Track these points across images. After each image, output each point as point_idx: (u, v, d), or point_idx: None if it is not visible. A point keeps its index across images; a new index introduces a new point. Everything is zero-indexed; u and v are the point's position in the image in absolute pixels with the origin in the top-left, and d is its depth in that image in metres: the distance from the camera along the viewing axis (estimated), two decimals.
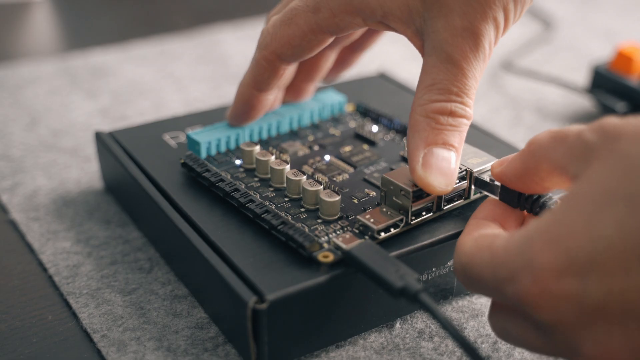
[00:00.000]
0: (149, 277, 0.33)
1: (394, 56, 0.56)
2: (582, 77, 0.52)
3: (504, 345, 0.29)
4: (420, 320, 0.31)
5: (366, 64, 0.54)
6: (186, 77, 0.52)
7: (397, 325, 0.30)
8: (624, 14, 0.65)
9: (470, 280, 0.25)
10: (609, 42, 0.59)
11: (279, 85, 0.34)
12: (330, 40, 0.32)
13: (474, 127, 0.38)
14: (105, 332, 0.30)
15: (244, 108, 0.35)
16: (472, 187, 0.31)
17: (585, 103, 0.49)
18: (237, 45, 0.57)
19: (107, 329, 0.30)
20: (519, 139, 0.45)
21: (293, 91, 0.38)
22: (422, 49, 0.30)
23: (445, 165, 0.28)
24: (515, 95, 0.50)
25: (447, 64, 0.28)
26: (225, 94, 0.50)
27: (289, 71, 0.34)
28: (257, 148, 0.33)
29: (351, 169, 0.34)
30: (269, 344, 0.27)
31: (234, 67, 0.54)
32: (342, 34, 0.31)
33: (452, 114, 0.28)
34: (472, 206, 0.31)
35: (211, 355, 0.29)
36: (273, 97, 0.35)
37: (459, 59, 0.28)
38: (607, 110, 0.45)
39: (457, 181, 0.30)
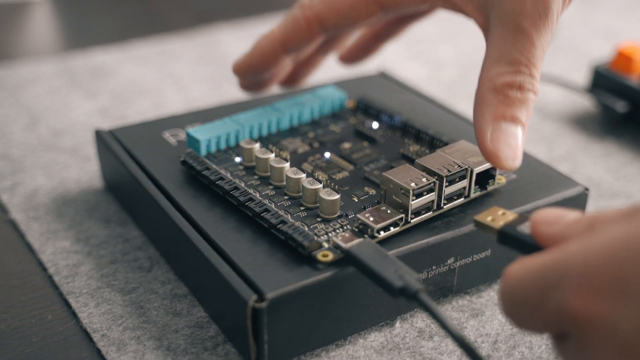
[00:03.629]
0: (148, 276, 0.33)
1: (394, 56, 0.56)
2: (582, 77, 0.52)
3: (503, 345, 0.29)
4: (420, 320, 0.31)
5: (366, 63, 0.54)
6: (186, 77, 0.52)
7: (397, 324, 0.30)
8: (624, 14, 0.65)
9: (516, 305, 0.22)
10: (609, 42, 0.59)
11: (299, 53, 0.33)
12: (378, 15, 0.31)
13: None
14: (105, 332, 0.30)
15: (260, 62, 0.33)
16: (472, 185, 0.31)
17: (585, 103, 0.49)
18: (237, 45, 0.57)
19: (107, 329, 0.30)
20: None
21: (305, 62, 0.36)
22: (484, 24, 0.29)
23: (514, 141, 0.28)
24: None
25: (516, 34, 0.28)
26: (225, 94, 0.50)
27: (317, 42, 0.32)
28: (257, 146, 0.33)
29: (351, 167, 0.34)
30: (268, 342, 0.27)
31: None
32: (395, 8, 0.30)
33: (520, 87, 0.28)
34: (471, 205, 0.31)
35: (211, 354, 0.29)
36: (287, 64, 0.33)
37: (529, 28, 0.27)
38: (607, 110, 0.45)
39: (457, 180, 0.30)
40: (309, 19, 0.31)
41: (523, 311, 0.22)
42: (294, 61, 0.34)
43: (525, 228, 0.25)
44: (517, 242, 0.25)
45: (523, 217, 0.26)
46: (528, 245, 0.25)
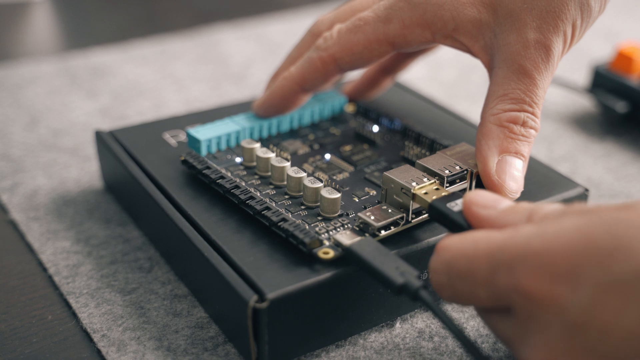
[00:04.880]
0: (148, 276, 0.33)
1: None
2: (582, 77, 0.52)
3: (503, 346, 0.29)
4: (421, 320, 0.31)
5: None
6: (186, 77, 0.52)
7: (397, 325, 0.30)
8: (624, 14, 0.65)
9: (452, 277, 0.24)
10: (609, 42, 0.59)
11: (316, 90, 0.35)
12: (391, 54, 0.33)
13: (474, 128, 0.38)
14: (105, 332, 0.30)
15: (280, 102, 0.35)
16: (473, 186, 0.31)
17: (585, 103, 0.49)
18: (237, 45, 0.57)
19: (107, 329, 0.30)
20: None
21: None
22: (489, 63, 0.31)
23: (517, 173, 0.30)
24: None
25: (520, 75, 0.30)
26: (225, 94, 0.50)
27: (333, 80, 0.34)
28: (258, 146, 0.33)
29: (351, 168, 0.34)
30: (269, 343, 0.27)
31: (234, 67, 0.54)
32: (406, 47, 0.32)
33: (524, 123, 0.30)
34: None
35: (211, 354, 0.29)
36: (305, 99, 0.36)
37: (532, 70, 0.30)
38: (607, 110, 0.45)
39: (458, 180, 0.30)
40: (324, 60, 0.33)
41: (461, 283, 0.24)
42: (310, 95, 0.37)
43: (455, 206, 0.27)
44: (446, 218, 0.27)
45: (456, 195, 0.28)
46: (456, 223, 0.27)
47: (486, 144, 0.30)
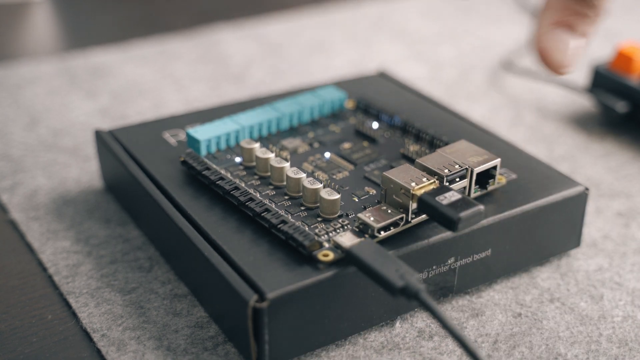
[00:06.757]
0: (148, 276, 0.33)
1: (393, 56, 0.56)
2: (582, 77, 0.52)
3: (503, 345, 0.29)
4: (421, 320, 0.31)
5: (366, 63, 0.54)
6: (186, 77, 0.52)
7: (397, 324, 0.30)
8: (624, 14, 0.65)
9: None
10: (609, 42, 0.59)
11: None
12: None
13: (473, 127, 0.38)
14: (105, 332, 0.30)
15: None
16: (472, 185, 0.31)
17: (585, 103, 0.49)
18: (237, 45, 0.57)
19: (107, 328, 0.30)
20: (519, 138, 0.45)
21: None
22: None
23: (562, 46, 0.28)
24: (515, 95, 0.50)
25: None
26: (225, 94, 0.50)
27: None
28: (257, 146, 0.33)
29: (351, 167, 0.34)
30: (269, 342, 0.27)
31: (234, 67, 0.54)
32: None
33: (584, 16, 0.28)
34: None
35: (211, 354, 0.29)
36: None
37: None
38: (607, 110, 0.45)
39: (458, 179, 0.30)
40: None
41: None
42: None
43: (444, 199, 0.28)
44: (435, 211, 0.28)
45: (445, 189, 0.29)
46: (445, 216, 0.27)
47: (543, 14, 0.29)
